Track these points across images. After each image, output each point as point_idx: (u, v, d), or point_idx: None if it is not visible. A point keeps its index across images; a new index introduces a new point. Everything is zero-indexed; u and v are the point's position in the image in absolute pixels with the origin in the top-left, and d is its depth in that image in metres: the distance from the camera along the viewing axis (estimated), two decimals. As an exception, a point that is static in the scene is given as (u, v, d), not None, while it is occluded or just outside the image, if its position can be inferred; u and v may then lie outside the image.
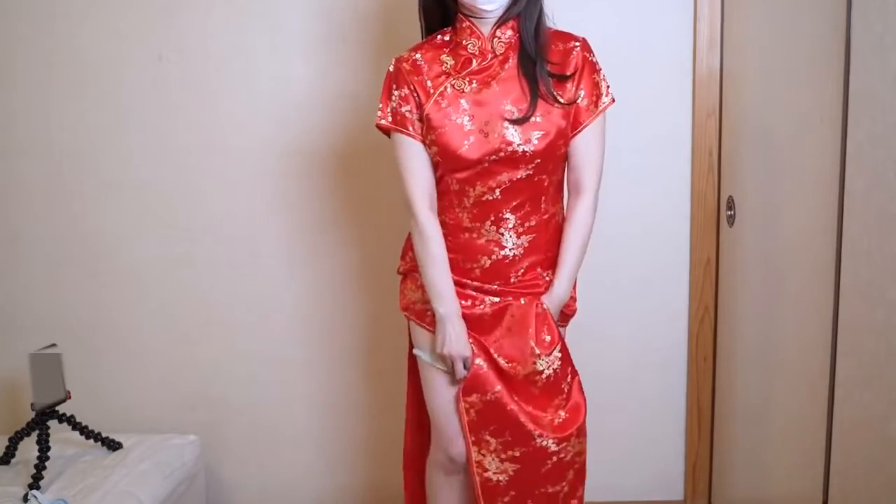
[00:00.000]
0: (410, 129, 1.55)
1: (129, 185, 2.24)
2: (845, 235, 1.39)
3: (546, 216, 1.60)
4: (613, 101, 1.59)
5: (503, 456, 1.58)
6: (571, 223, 1.61)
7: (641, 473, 2.35)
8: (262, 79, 2.19)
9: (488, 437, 1.58)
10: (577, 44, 1.58)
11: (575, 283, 1.66)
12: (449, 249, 1.59)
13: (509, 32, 1.55)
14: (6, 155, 2.24)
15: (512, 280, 1.60)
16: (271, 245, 2.27)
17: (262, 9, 2.16)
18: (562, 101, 1.53)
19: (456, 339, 1.56)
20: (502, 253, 1.58)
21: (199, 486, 2.23)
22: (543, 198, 1.59)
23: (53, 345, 1.97)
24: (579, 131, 1.57)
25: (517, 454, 1.57)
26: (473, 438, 1.58)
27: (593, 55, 1.59)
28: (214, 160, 2.23)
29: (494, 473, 1.59)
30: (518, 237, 1.58)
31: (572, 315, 1.71)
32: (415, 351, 1.68)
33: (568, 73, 1.55)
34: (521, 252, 1.59)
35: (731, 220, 2.06)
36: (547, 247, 1.62)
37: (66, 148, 2.23)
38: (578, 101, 1.56)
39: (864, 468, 1.33)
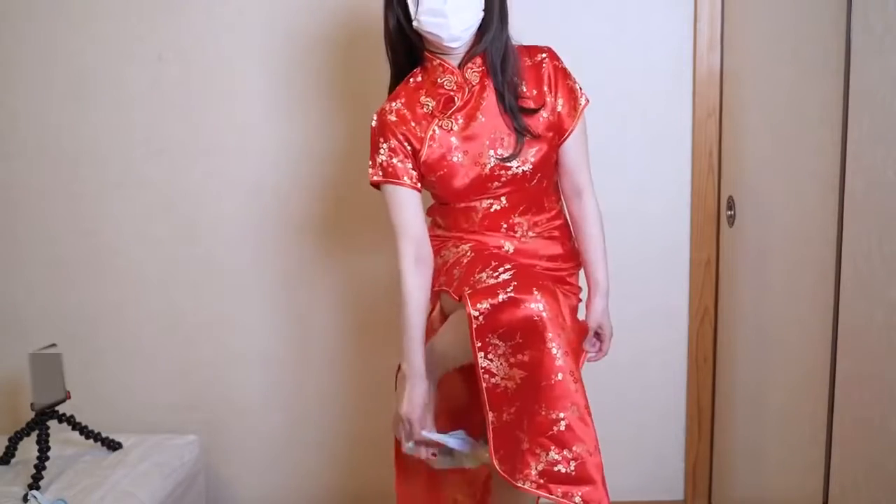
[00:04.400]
0: (405, 178, 1.55)
1: (129, 185, 2.24)
2: (845, 235, 1.39)
3: (553, 212, 1.65)
4: (588, 101, 1.61)
5: (511, 360, 1.41)
6: (587, 220, 1.66)
7: (641, 473, 2.35)
8: (262, 79, 2.19)
9: (496, 341, 1.42)
10: (545, 55, 1.60)
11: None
12: (472, 246, 1.61)
13: (479, 60, 1.55)
14: (7, 155, 2.24)
15: (536, 267, 1.62)
16: (271, 245, 2.27)
17: (261, 9, 2.16)
18: (538, 133, 1.54)
19: (415, 403, 1.54)
20: (524, 240, 1.62)
21: (199, 486, 2.23)
22: (544, 198, 1.63)
23: (53, 345, 1.97)
24: (566, 138, 1.60)
25: (526, 359, 1.40)
26: (479, 343, 1.42)
27: (561, 62, 1.61)
28: (214, 160, 2.23)
29: (502, 380, 1.43)
30: (535, 234, 1.63)
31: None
32: None
33: (537, 108, 1.56)
34: (540, 244, 1.63)
35: (731, 220, 2.06)
36: (562, 240, 1.66)
37: (66, 148, 2.23)
38: (559, 108, 1.58)
39: (864, 468, 1.33)
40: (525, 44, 1.62)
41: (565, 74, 1.60)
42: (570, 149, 1.61)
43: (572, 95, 1.59)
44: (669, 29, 2.15)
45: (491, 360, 1.43)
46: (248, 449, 2.37)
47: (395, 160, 1.55)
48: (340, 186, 2.24)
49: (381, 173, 1.56)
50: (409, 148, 1.55)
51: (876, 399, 1.28)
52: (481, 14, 1.51)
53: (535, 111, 1.56)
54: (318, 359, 2.33)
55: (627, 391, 2.30)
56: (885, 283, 1.25)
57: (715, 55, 2.13)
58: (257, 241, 2.27)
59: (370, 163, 1.59)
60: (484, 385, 1.43)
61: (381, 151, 1.56)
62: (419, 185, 1.58)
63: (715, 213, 2.20)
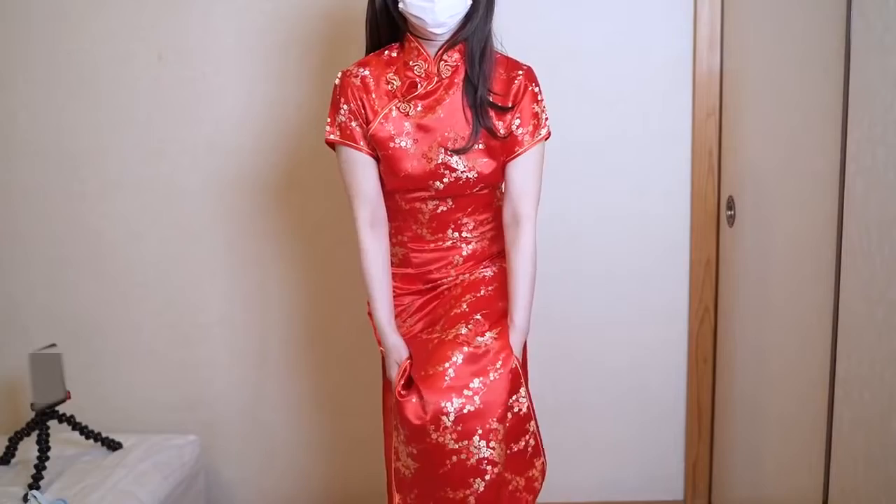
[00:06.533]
0: (361, 143, 1.55)
1: (129, 184, 2.25)
2: (845, 235, 1.39)
3: (497, 208, 1.66)
4: (550, 134, 1.59)
5: (409, 449, 1.54)
6: (520, 254, 1.57)
7: (641, 473, 2.35)
8: (262, 79, 2.19)
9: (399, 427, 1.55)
10: (521, 72, 1.57)
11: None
12: (420, 263, 1.64)
13: (456, 55, 1.54)
14: (7, 155, 2.24)
15: (484, 263, 1.68)
16: (271, 245, 2.27)
17: (262, 9, 2.16)
18: (500, 134, 1.54)
19: (391, 361, 1.62)
20: (470, 247, 1.64)
21: (199, 486, 2.23)
22: (492, 199, 1.65)
23: (53, 345, 1.97)
24: (513, 158, 1.56)
25: (415, 451, 1.52)
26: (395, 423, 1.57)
27: (536, 85, 1.58)
28: (214, 160, 2.23)
29: (403, 465, 1.58)
30: (480, 233, 1.65)
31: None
32: None
33: (508, 106, 1.54)
34: (486, 244, 1.66)
35: (731, 220, 2.06)
36: (500, 238, 1.67)
37: (67, 148, 2.23)
38: (514, 129, 1.55)
39: (864, 468, 1.33)
40: (509, 55, 1.61)
41: (534, 98, 1.57)
42: (517, 174, 1.56)
43: (534, 120, 1.56)
44: (669, 29, 2.15)
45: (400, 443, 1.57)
46: (248, 449, 2.37)
47: (353, 123, 1.55)
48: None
49: (338, 133, 1.56)
50: (364, 116, 1.54)
51: (876, 399, 1.28)
52: (469, 2, 1.50)
53: (504, 109, 1.54)
54: (320, 359, 2.33)
55: (627, 391, 2.30)
56: (885, 283, 1.25)
57: (715, 55, 2.13)
58: (258, 241, 2.27)
59: (328, 120, 1.58)
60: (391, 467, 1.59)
61: (342, 112, 1.55)
62: (374, 153, 1.57)
63: (715, 213, 2.20)
